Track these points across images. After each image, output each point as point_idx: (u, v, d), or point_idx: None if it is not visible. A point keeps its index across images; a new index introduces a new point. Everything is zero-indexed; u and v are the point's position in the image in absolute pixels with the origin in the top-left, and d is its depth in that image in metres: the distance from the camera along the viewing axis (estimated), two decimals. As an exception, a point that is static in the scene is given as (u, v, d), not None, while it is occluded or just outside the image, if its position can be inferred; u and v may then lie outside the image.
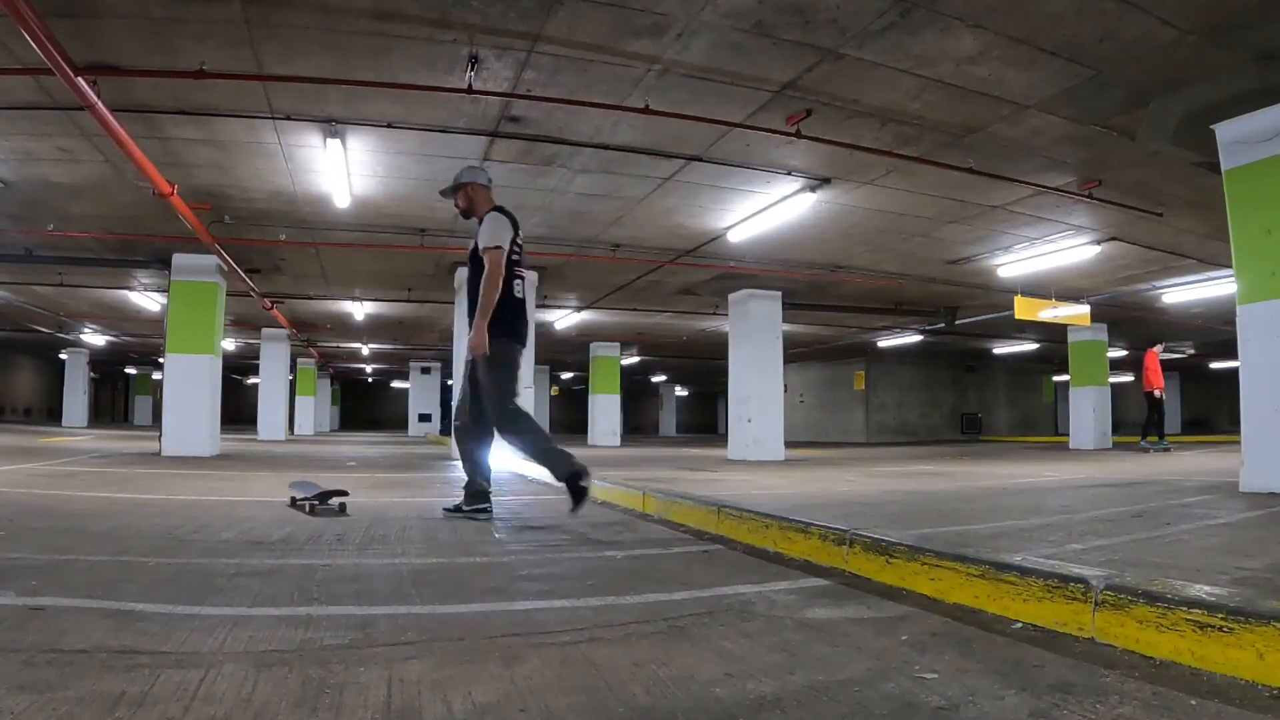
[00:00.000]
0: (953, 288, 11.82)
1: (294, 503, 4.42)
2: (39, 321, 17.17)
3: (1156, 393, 12.78)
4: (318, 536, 3.37)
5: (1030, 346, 19.16)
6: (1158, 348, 13.05)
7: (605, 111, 5.43)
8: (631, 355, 21.01)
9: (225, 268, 9.75)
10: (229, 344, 18.95)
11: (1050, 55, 4.68)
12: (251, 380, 27.39)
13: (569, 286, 12.35)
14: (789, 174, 6.88)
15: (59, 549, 2.85)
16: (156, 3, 4.22)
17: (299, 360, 23.31)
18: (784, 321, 11.91)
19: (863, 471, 7.74)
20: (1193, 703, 1.41)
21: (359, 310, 14.78)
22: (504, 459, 8.64)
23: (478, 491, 4.10)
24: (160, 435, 9.70)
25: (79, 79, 4.48)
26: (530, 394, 10.58)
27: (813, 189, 7.09)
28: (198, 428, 9.71)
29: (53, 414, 26.86)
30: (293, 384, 22.40)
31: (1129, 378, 22.36)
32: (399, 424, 30.03)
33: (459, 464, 4.74)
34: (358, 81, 4.98)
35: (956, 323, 14.09)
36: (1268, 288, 4.88)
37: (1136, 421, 13.79)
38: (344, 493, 4.34)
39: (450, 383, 9.65)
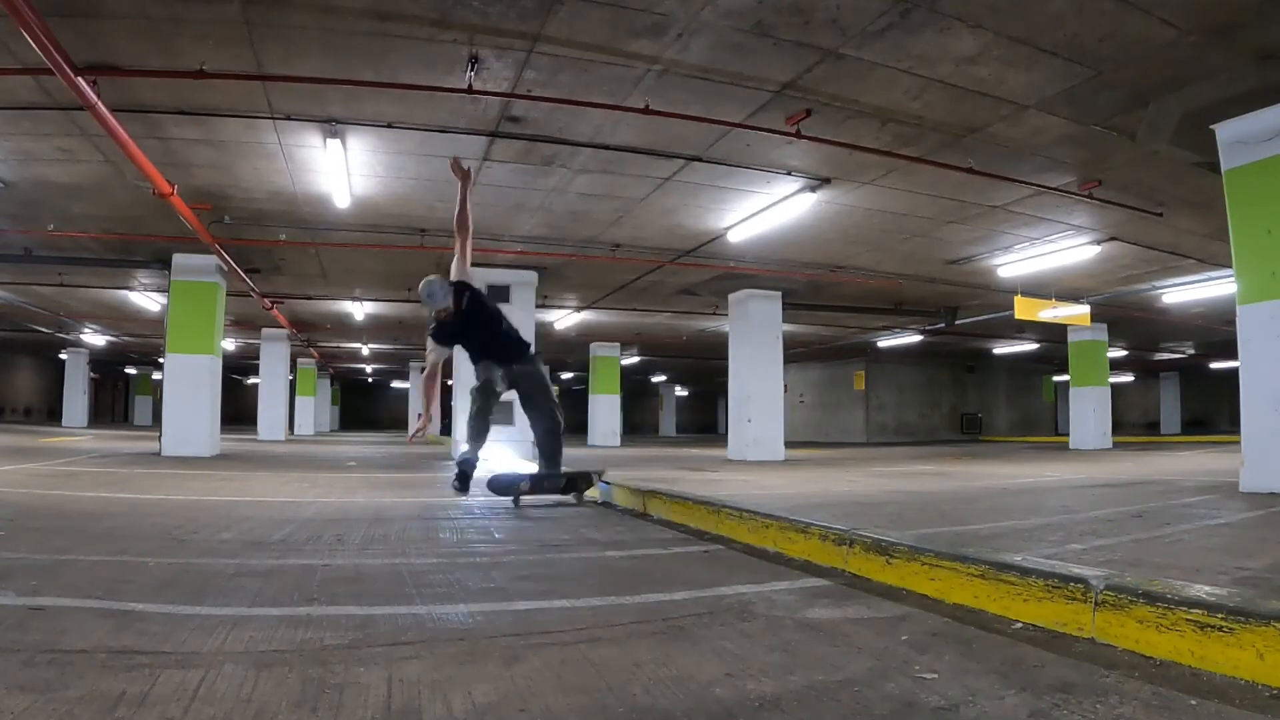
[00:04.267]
0: (953, 288, 11.82)
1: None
2: (39, 321, 17.16)
3: None
4: (318, 537, 3.37)
5: (1030, 346, 19.16)
6: None
7: (605, 111, 5.43)
8: (631, 355, 20.99)
9: (225, 268, 9.74)
10: (229, 344, 18.94)
11: (1050, 55, 4.68)
12: (251, 380, 27.38)
13: (569, 286, 12.35)
14: (789, 174, 6.88)
15: (59, 549, 2.85)
16: (156, 3, 4.21)
17: (299, 360, 23.30)
18: (784, 321, 11.91)
19: (863, 471, 7.74)
20: (1193, 703, 1.41)
21: (359, 310, 14.77)
22: (508, 461, 8.63)
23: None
24: (160, 435, 9.70)
25: (79, 79, 4.47)
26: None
27: (813, 189, 7.09)
28: (198, 428, 9.71)
29: (53, 414, 26.85)
30: (293, 384, 22.38)
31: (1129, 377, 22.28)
32: (399, 424, 30.01)
33: (458, 464, 4.94)
34: (358, 81, 4.98)
35: (956, 323, 14.09)
36: (1268, 288, 4.88)
37: (1136, 422, 13.81)
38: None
39: (450, 383, 9.67)
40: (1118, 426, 16.21)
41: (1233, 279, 5.25)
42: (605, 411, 18.75)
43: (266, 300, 12.90)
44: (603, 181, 7.15)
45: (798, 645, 1.81)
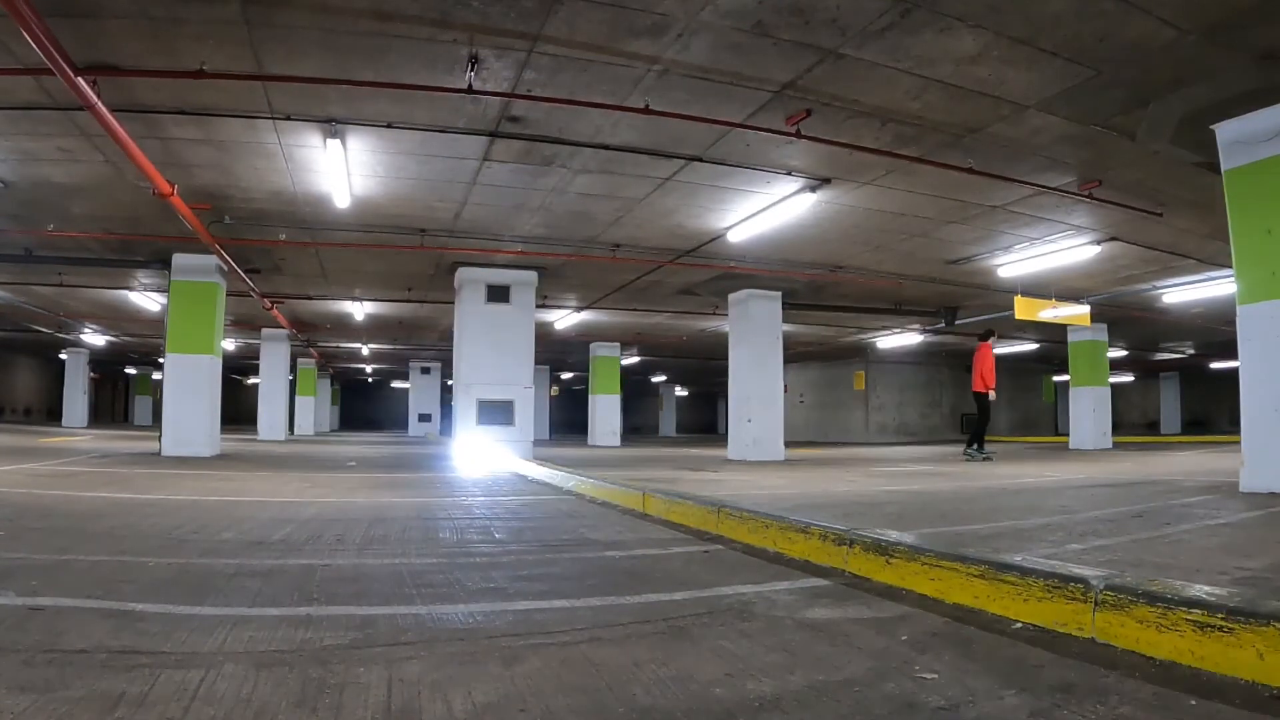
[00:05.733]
0: (953, 288, 11.82)
1: None
2: (39, 321, 17.16)
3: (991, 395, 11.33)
4: (318, 537, 3.37)
5: (1030, 346, 19.16)
6: (991, 339, 11.19)
7: (605, 111, 5.43)
8: (631, 355, 20.98)
9: (225, 268, 9.75)
10: (229, 344, 18.94)
11: (1050, 55, 4.68)
12: (251, 380, 27.39)
13: (569, 286, 12.35)
14: (789, 174, 6.88)
15: (59, 549, 2.85)
16: (156, 3, 4.22)
17: (299, 360, 23.30)
18: (784, 321, 11.91)
19: (863, 471, 7.74)
20: (1193, 703, 1.41)
21: (359, 310, 14.77)
22: (508, 461, 8.63)
23: None
24: (160, 435, 9.70)
25: (79, 79, 4.47)
26: (530, 394, 10.61)
27: (813, 189, 7.09)
28: (197, 428, 9.71)
29: (53, 414, 26.85)
30: (293, 384, 22.38)
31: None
32: (399, 424, 30.04)
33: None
34: (358, 81, 4.98)
35: (956, 323, 14.09)
36: (1268, 288, 4.88)
37: (1136, 422, 13.78)
38: None
39: (450, 383, 9.62)
40: (1117, 426, 16.21)
41: (1233, 279, 5.25)
42: (605, 411, 18.75)
43: (266, 300, 12.90)
44: (603, 181, 7.15)
45: (798, 645, 1.81)
